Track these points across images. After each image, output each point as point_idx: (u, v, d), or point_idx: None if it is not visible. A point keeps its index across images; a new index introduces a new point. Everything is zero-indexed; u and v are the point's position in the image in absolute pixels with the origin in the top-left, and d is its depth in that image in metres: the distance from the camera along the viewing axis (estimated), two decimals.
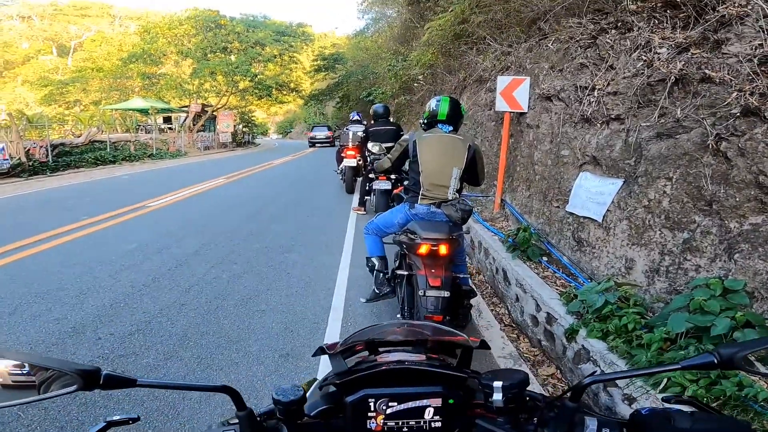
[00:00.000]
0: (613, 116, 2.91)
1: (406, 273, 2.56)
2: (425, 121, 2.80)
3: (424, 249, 2.28)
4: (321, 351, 0.78)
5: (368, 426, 0.63)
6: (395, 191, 3.55)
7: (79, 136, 15.48)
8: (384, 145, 5.80)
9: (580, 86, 3.33)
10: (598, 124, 3.06)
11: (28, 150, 11.40)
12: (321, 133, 27.03)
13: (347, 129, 8.02)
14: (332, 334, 2.85)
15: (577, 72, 3.53)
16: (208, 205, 7.28)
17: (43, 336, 2.71)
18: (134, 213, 6.39)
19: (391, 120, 6.79)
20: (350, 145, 7.67)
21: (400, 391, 0.64)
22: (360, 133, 7.56)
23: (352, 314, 3.19)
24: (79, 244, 4.75)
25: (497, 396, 0.60)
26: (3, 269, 3.86)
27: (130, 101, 22.41)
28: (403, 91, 13.01)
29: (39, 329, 2.78)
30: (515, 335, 3.01)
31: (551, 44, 4.17)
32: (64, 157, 12.71)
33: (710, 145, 2.19)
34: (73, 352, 2.51)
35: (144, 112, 21.97)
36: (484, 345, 0.77)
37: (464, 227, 4.70)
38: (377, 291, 2.96)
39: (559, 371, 2.48)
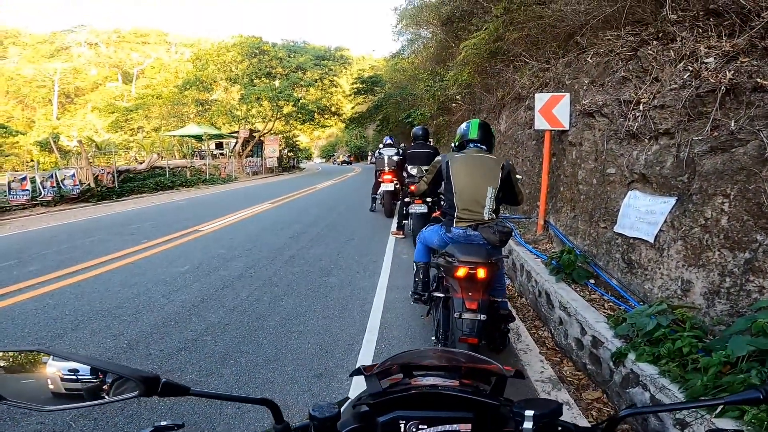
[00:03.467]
0: (661, 130, 2.78)
1: (442, 295, 2.53)
2: (456, 144, 2.84)
3: (461, 272, 2.25)
4: (358, 372, 0.81)
5: None
6: (433, 215, 3.56)
7: (141, 163, 16.80)
8: (423, 168, 5.83)
9: (624, 100, 3.20)
10: (646, 140, 2.93)
11: (97, 176, 12.43)
12: (345, 157, 46.21)
13: (381, 153, 8.02)
14: (366, 356, 2.86)
15: (619, 86, 3.41)
16: (255, 229, 7.61)
17: (101, 350, 2.92)
18: (188, 237, 6.83)
19: (430, 142, 6.84)
20: (386, 169, 7.71)
21: (431, 415, 0.65)
22: (395, 157, 7.63)
23: (387, 336, 3.19)
24: (139, 265, 5.13)
25: (527, 424, 0.60)
26: (71, 288, 4.23)
27: (186, 128, 23.88)
28: (442, 112, 13.04)
29: (98, 344, 3.01)
30: (558, 359, 2.88)
31: (590, 58, 4.06)
32: (128, 183, 13.81)
33: None
34: (126, 363, 2.67)
35: (198, 138, 23.42)
36: (519, 374, 0.77)
37: (505, 250, 4.59)
38: (413, 294, 3.07)
39: (605, 395, 2.36)
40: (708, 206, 2.36)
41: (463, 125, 2.82)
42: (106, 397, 0.57)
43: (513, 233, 3.66)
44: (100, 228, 7.81)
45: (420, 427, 0.64)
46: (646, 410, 0.61)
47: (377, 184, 8.54)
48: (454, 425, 0.64)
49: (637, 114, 2.99)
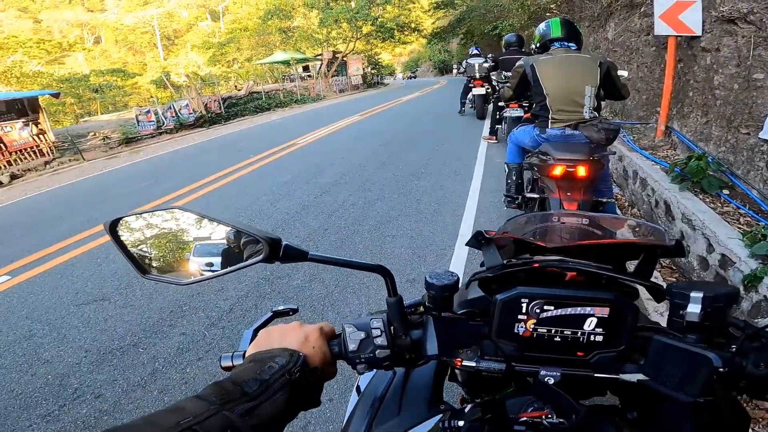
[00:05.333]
0: None
1: (537, 196, 2.40)
2: (537, 45, 2.62)
3: (558, 171, 2.10)
4: (476, 239, 0.67)
5: (515, 330, 0.56)
6: (524, 116, 3.33)
7: (240, 90, 18.09)
8: (505, 74, 5.45)
9: None
10: None
11: (206, 104, 13.81)
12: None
13: (469, 62, 8.33)
14: (459, 261, 2.91)
15: None
16: (347, 139, 7.96)
17: None
18: (288, 149, 7.41)
19: (524, 50, 6.24)
20: (477, 76, 8.06)
21: (561, 293, 0.54)
22: (486, 65, 7.54)
23: None
24: (249, 177, 5.73)
25: (694, 308, 0.48)
26: (198, 201, 4.91)
27: (274, 55, 25.08)
28: (533, 22, 11.52)
29: None
30: (674, 278, 2.64)
31: None
32: (232, 108, 15.15)
33: None
34: (244, 274, 2.85)
35: (286, 63, 24.35)
36: (679, 248, 0.58)
37: (615, 157, 4.15)
38: (506, 197, 3.03)
39: None
40: None
41: (542, 25, 2.61)
42: (232, 265, 0.58)
43: (621, 133, 3.26)
44: (215, 147, 8.80)
45: (545, 308, 0.54)
46: None
47: (467, 89, 9.26)
48: (588, 308, 0.53)
49: None
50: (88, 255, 3.65)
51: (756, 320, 1.86)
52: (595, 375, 0.55)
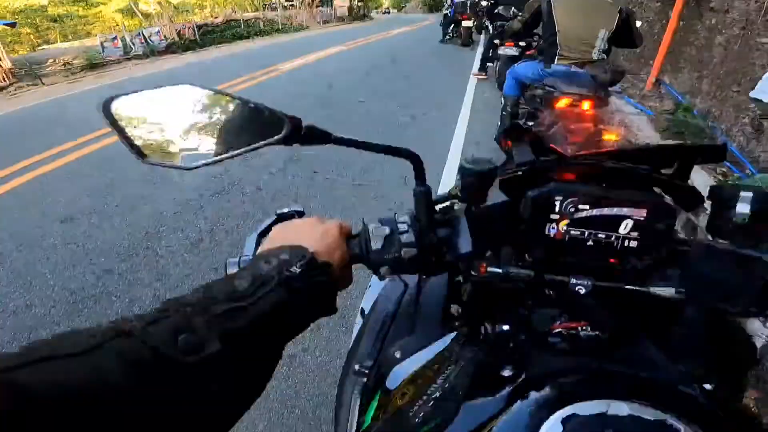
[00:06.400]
0: None
1: None
2: None
3: (562, 104, 2.07)
4: (512, 130, 0.60)
5: (546, 231, 0.51)
6: (527, 53, 3.18)
7: (216, 18, 16.85)
8: (514, 11, 5.20)
9: None
10: None
11: (179, 31, 12.88)
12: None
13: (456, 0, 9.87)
14: (445, 187, 2.87)
15: None
16: (332, 67, 7.78)
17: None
18: (271, 74, 7.29)
19: None
20: (468, 12, 9.60)
21: (597, 191, 0.49)
22: (483, 2, 7.35)
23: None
24: None
25: (743, 208, 0.44)
26: None
27: None
28: None
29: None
30: None
31: None
32: (208, 35, 14.14)
33: None
34: (220, 197, 2.90)
35: None
36: (721, 150, 0.53)
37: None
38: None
39: None
40: None
41: None
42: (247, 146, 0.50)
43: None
44: (193, 72, 8.41)
45: (580, 207, 0.50)
46: None
47: (449, 21, 10.92)
48: (624, 209, 0.49)
49: None
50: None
51: None
52: (626, 287, 0.51)
